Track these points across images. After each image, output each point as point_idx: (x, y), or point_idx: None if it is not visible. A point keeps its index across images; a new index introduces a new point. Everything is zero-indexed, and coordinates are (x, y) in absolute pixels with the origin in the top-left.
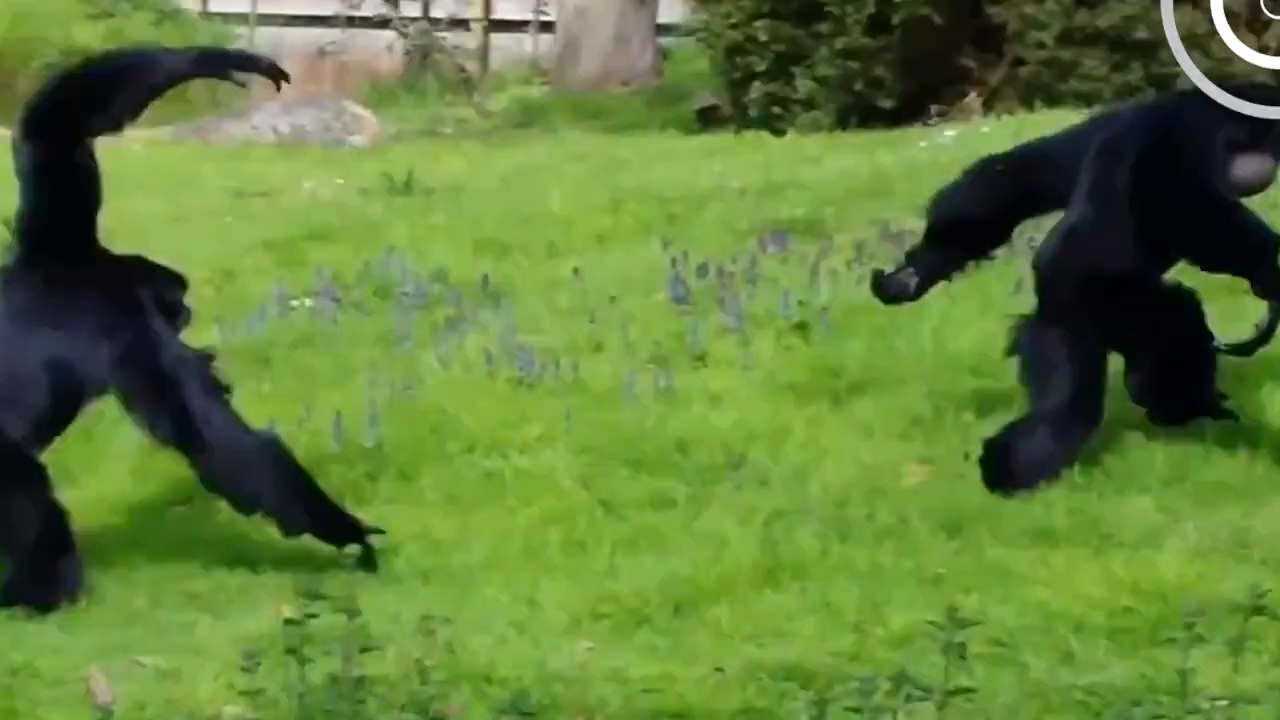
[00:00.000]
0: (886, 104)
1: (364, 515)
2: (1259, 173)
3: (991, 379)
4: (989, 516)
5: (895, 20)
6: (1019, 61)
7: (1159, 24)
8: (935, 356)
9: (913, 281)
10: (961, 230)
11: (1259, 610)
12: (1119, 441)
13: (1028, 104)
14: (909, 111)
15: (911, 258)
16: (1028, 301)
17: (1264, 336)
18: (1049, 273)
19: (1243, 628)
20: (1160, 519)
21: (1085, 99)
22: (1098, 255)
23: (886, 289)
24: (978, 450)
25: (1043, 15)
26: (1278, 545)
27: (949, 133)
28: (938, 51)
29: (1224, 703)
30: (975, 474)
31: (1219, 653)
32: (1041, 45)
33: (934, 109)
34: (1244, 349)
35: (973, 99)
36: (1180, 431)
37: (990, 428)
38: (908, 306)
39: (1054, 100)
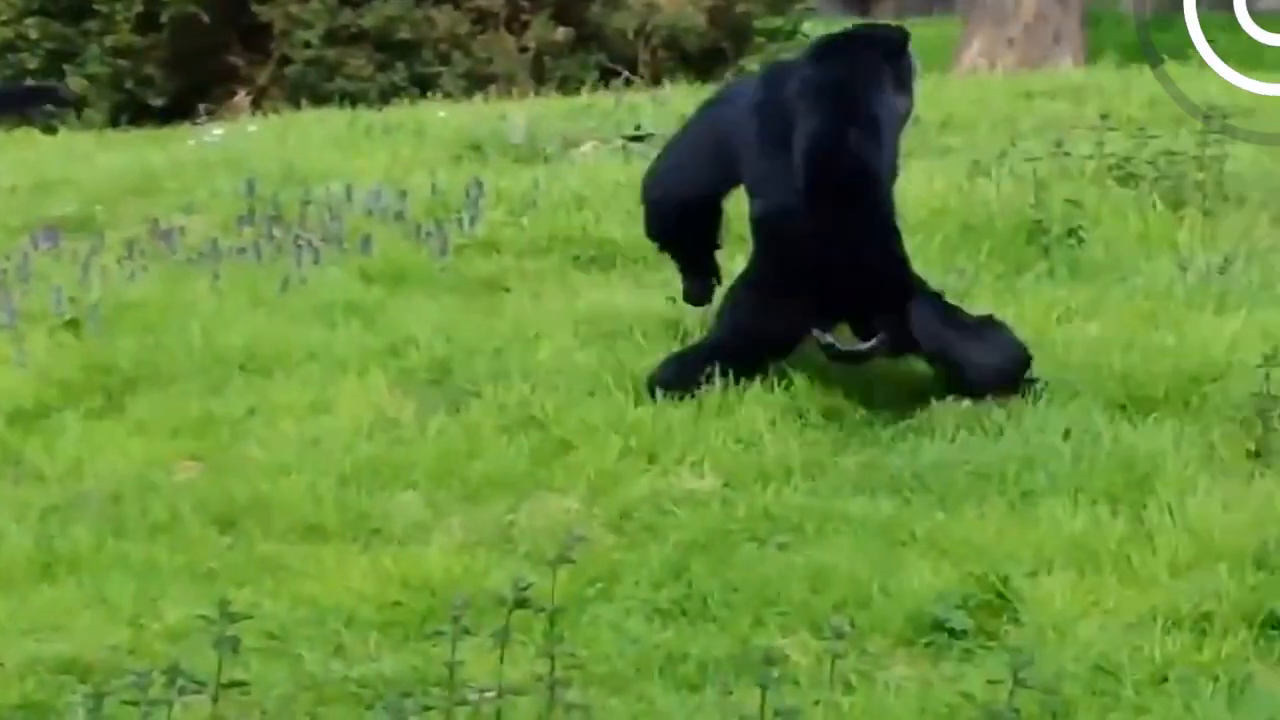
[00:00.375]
0: (157, 102)
1: None
2: (904, 110)
3: (261, 376)
4: (260, 511)
5: (164, 19)
6: (286, 60)
7: (421, 24)
8: (205, 353)
9: (711, 285)
10: (696, 233)
11: (522, 603)
12: (386, 437)
13: (295, 102)
14: (180, 110)
15: (684, 270)
16: (295, 301)
17: (873, 350)
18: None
19: (508, 620)
20: (427, 514)
21: (351, 98)
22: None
23: (697, 300)
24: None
25: (308, 15)
26: (540, 539)
27: (217, 131)
28: (207, 50)
29: (491, 694)
30: (246, 469)
31: (486, 645)
32: (308, 45)
33: (203, 108)
34: (854, 357)
35: (241, 98)
36: (449, 425)
37: (261, 424)
38: (178, 304)
39: (320, 99)
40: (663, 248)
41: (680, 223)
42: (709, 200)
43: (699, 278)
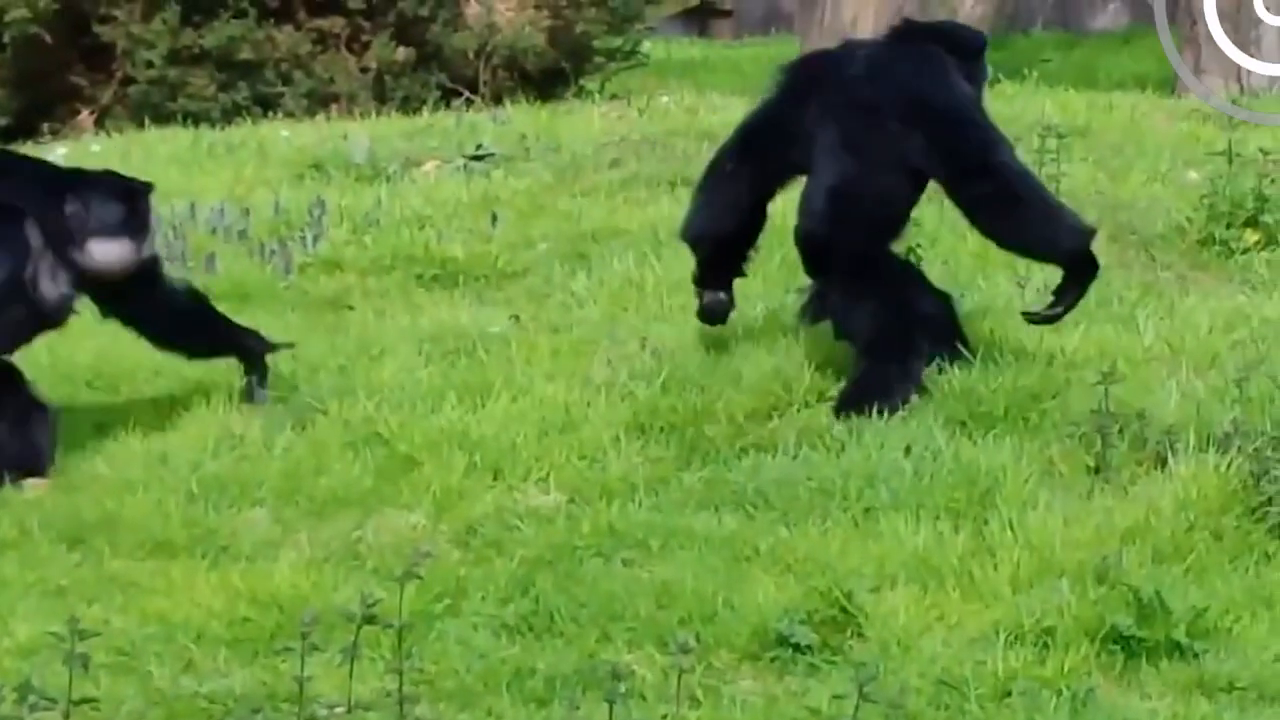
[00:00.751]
0: (1, 121)
1: None
2: None
3: (108, 393)
4: (108, 528)
5: (6, 39)
6: (129, 80)
7: (262, 44)
8: (52, 370)
9: (726, 300)
10: (727, 239)
11: (371, 619)
12: (233, 454)
13: (138, 122)
14: (24, 129)
15: (704, 279)
16: None
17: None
18: (829, 232)
19: (356, 636)
20: (275, 531)
21: (194, 117)
22: (875, 207)
23: (712, 314)
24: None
25: (150, 34)
26: (387, 555)
27: (60, 150)
28: (50, 69)
29: (341, 709)
30: (94, 487)
31: (335, 660)
32: (150, 64)
33: (47, 127)
34: (1047, 318)
35: (85, 117)
36: (296, 442)
37: (108, 441)
38: None
39: (163, 118)
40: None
41: (739, 217)
42: (771, 192)
43: (724, 289)
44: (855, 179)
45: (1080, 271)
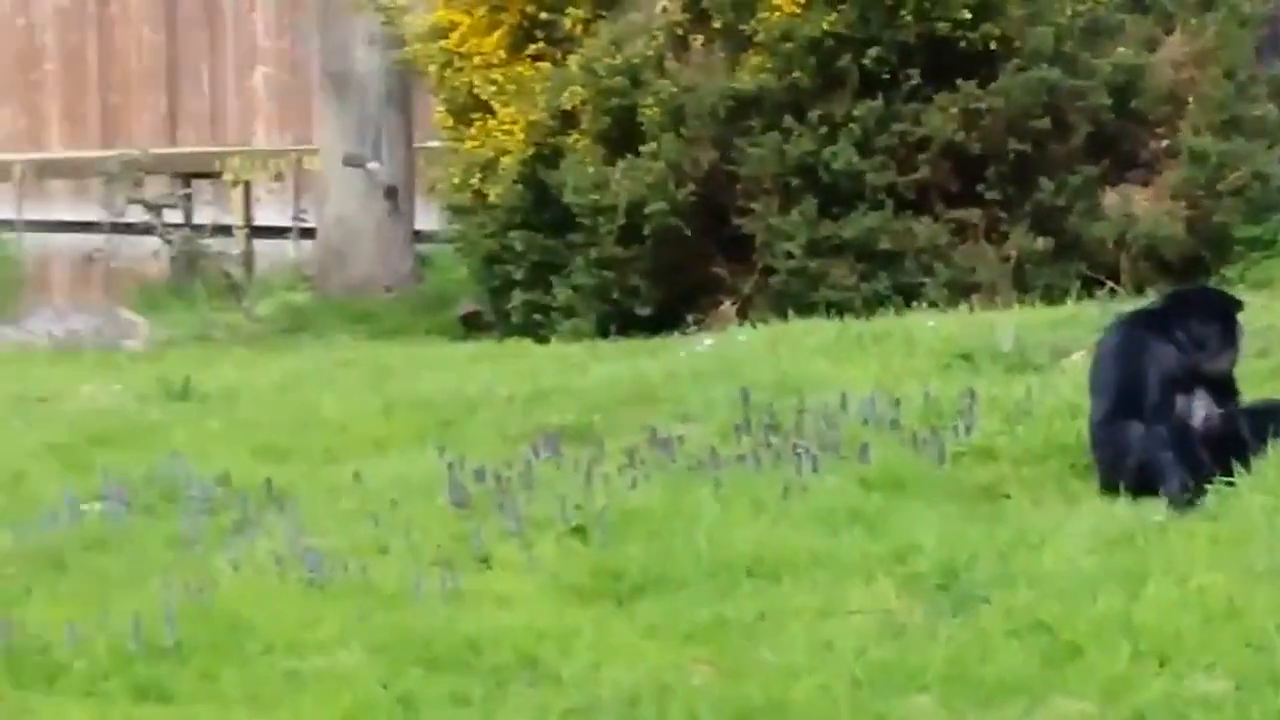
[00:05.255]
0: (644, 311)
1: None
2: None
3: (769, 580)
4: (775, 714)
5: (645, 231)
6: (770, 270)
7: (901, 236)
8: (711, 559)
9: None
10: None
11: None
12: (898, 642)
13: (780, 312)
14: (667, 318)
15: None
16: (796, 507)
17: None
18: None
19: None
20: (942, 716)
21: (837, 307)
22: None
23: None
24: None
25: (788, 226)
26: None
27: (707, 341)
28: (689, 261)
29: None
30: (759, 673)
31: None
32: (790, 255)
33: (691, 317)
34: None
35: (727, 307)
36: (958, 628)
37: (772, 628)
38: (681, 511)
39: (806, 309)
40: None
41: None
42: None
43: None
44: None
45: None
